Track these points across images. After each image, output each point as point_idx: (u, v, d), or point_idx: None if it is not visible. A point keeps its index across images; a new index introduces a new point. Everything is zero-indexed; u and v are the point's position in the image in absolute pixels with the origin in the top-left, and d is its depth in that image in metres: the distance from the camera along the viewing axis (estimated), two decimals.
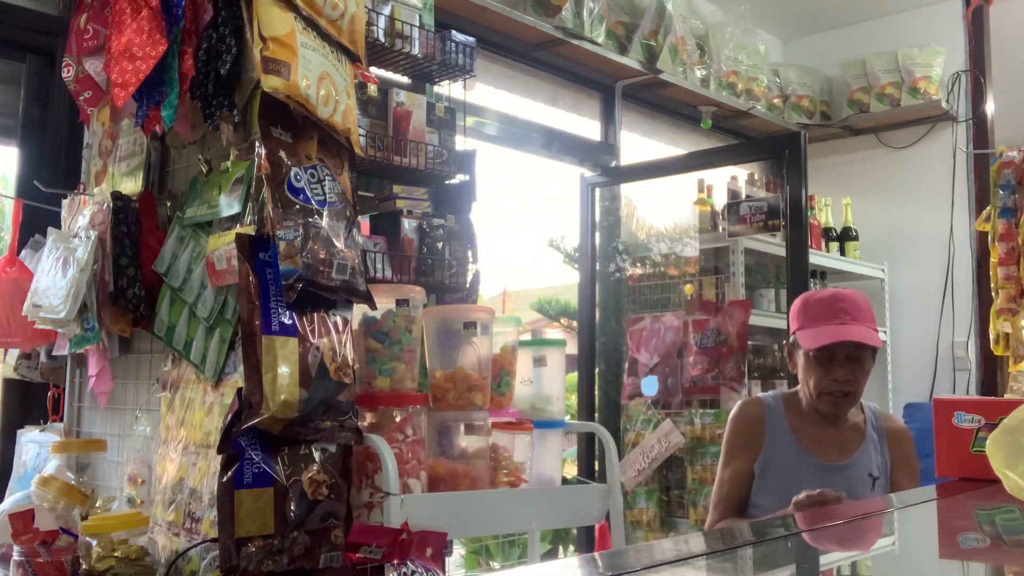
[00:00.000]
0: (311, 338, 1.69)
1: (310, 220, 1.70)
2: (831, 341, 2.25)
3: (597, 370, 4.15)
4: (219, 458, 1.64)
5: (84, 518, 2.01)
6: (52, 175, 2.55)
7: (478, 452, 1.98)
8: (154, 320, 2.09)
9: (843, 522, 1.13)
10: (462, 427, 1.97)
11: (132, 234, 2.12)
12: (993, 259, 3.90)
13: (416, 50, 2.48)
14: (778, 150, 3.88)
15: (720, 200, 4.06)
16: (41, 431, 2.36)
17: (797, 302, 2.42)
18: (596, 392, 4.12)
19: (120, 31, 1.92)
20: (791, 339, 2.39)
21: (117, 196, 2.13)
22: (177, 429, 1.99)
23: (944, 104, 4.53)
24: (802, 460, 2.32)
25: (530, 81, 3.86)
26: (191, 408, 1.97)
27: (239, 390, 1.67)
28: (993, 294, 3.92)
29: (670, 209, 4.30)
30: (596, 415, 4.06)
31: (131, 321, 2.13)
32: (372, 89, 2.38)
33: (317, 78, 1.76)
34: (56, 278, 2.13)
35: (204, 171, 2.03)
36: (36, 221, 2.46)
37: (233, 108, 1.85)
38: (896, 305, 4.68)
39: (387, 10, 2.42)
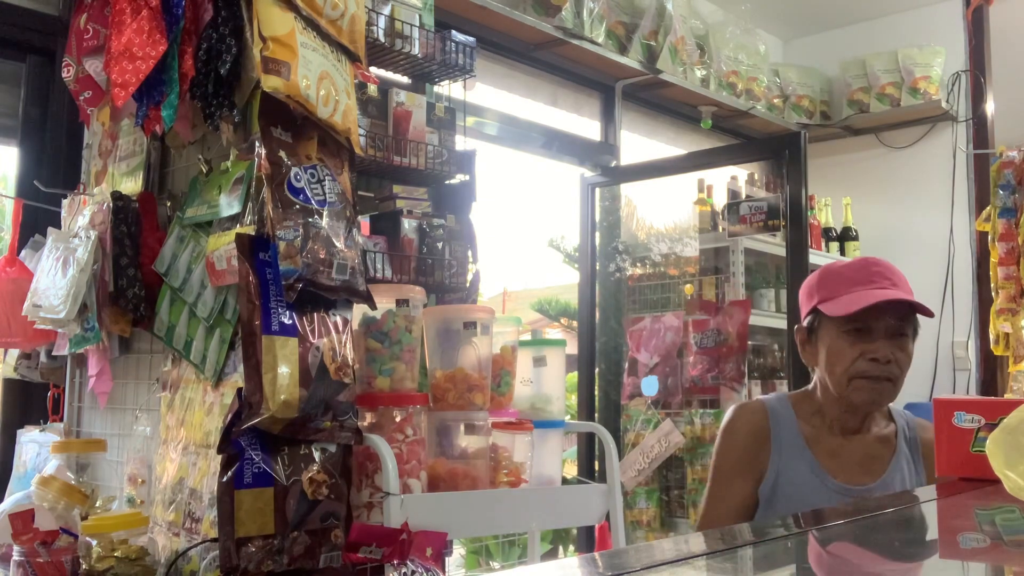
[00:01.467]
0: (311, 338, 1.69)
1: (310, 220, 1.70)
2: (871, 302, 1.78)
3: (597, 370, 4.15)
4: (219, 458, 1.64)
5: (84, 518, 2.01)
6: (52, 175, 2.55)
7: (478, 452, 1.98)
8: (154, 320, 2.09)
9: (843, 522, 1.13)
10: (462, 427, 1.97)
11: (132, 234, 2.12)
12: (993, 259, 3.90)
13: (416, 50, 2.48)
14: (778, 150, 3.89)
15: (720, 200, 4.06)
16: (41, 431, 2.36)
17: (812, 277, 1.95)
18: (596, 392, 4.13)
19: (120, 31, 1.92)
20: (806, 322, 1.92)
21: (117, 196, 2.13)
22: (177, 429, 1.99)
23: (944, 104, 4.53)
24: (820, 483, 1.85)
25: (530, 81, 3.86)
26: (191, 408, 1.97)
27: (239, 390, 1.67)
28: (993, 294, 3.92)
29: (670, 209, 4.30)
30: (596, 415, 4.06)
31: (131, 321, 2.13)
32: (372, 89, 2.38)
33: (317, 78, 1.76)
34: (56, 278, 2.13)
35: (204, 171, 2.03)
36: (36, 221, 2.46)
37: (233, 108, 1.85)
38: None
39: (387, 10, 2.42)
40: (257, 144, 1.74)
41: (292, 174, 1.72)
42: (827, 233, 4.61)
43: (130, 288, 2.09)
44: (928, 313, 1.85)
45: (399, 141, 2.44)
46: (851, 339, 1.84)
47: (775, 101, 4.70)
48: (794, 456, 1.87)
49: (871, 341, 1.83)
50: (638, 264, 4.30)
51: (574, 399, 4.45)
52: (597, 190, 4.18)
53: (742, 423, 1.93)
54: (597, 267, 4.20)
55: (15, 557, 1.84)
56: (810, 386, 1.98)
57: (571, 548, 4.91)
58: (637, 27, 3.94)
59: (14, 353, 2.45)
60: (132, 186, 2.24)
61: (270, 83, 1.67)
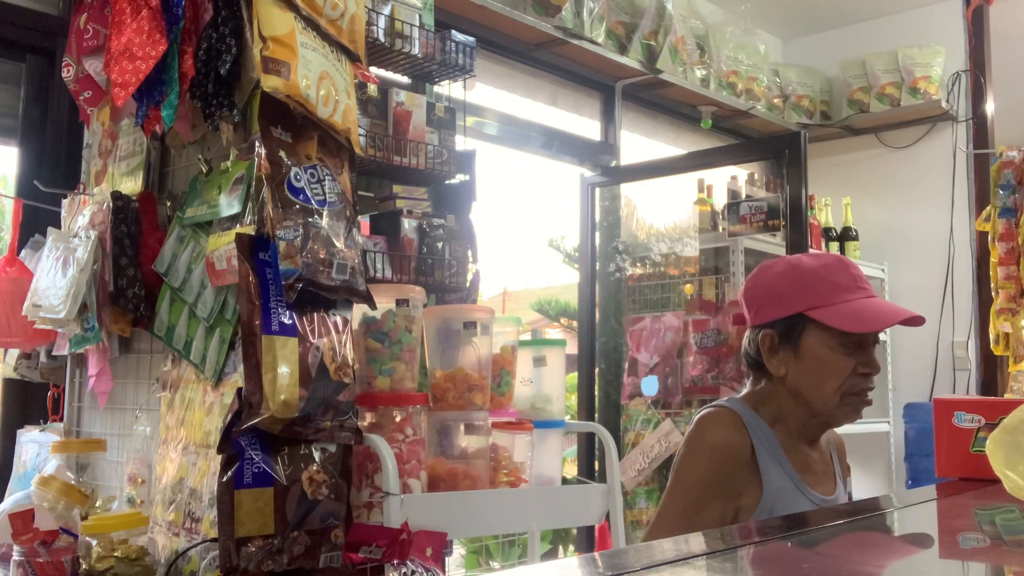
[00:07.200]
0: (311, 338, 1.69)
1: (310, 220, 1.70)
2: (896, 321, 1.64)
3: (597, 370, 4.15)
4: (219, 458, 1.64)
5: (84, 518, 2.01)
6: (52, 175, 2.55)
7: (478, 452, 1.98)
8: (154, 320, 2.09)
9: (843, 522, 1.13)
10: (462, 427, 1.97)
11: (132, 234, 2.12)
12: (993, 259, 3.91)
13: (416, 50, 2.48)
14: (778, 150, 3.89)
15: (720, 200, 4.06)
16: (41, 431, 2.36)
17: (782, 276, 1.75)
18: (596, 392, 4.12)
19: (120, 31, 1.92)
20: (780, 327, 1.73)
21: (117, 196, 2.13)
22: (177, 429, 1.99)
23: (944, 104, 4.53)
24: (804, 498, 1.68)
25: (530, 81, 3.86)
26: (191, 408, 1.97)
27: (239, 390, 1.67)
28: (993, 294, 3.92)
29: (670, 209, 4.30)
30: (596, 415, 4.06)
31: (131, 321, 2.13)
32: (372, 89, 2.38)
33: (317, 78, 1.76)
34: (56, 278, 2.13)
35: (204, 171, 2.03)
36: (36, 221, 2.46)
37: (233, 108, 1.85)
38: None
39: (387, 10, 2.42)
40: (257, 144, 1.74)
41: (292, 174, 1.72)
42: (827, 233, 4.61)
43: (130, 288, 2.09)
44: (921, 321, 1.70)
45: (399, 141, 2.44)
46: (846, 352, 1.67)
47: (775, 101, 4.70)
48: (777, 472, 1.68)
49: (864, 354, 1.68)
50: (638, 264, 4.30)
51: (574, 399, 4.45)
52: (597, 190, 4.18)
53: (722, 440, 1.68)
54: (597, 267, 4.20)
55: (15, 557, 1.84)
56: (759, 388, 1.78)
57: (571, 548, 4.91)
58: (637, 27, 3.94)
59: (14, 353, 2.45)
60: (132, 186, 2.24)
61: (270, 83, 1.67)
